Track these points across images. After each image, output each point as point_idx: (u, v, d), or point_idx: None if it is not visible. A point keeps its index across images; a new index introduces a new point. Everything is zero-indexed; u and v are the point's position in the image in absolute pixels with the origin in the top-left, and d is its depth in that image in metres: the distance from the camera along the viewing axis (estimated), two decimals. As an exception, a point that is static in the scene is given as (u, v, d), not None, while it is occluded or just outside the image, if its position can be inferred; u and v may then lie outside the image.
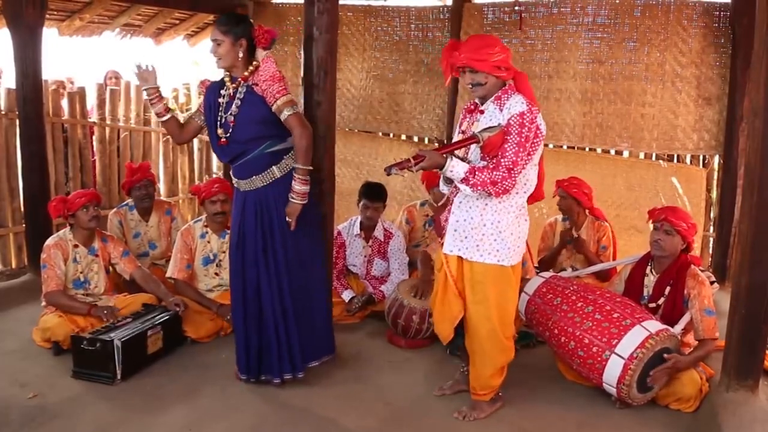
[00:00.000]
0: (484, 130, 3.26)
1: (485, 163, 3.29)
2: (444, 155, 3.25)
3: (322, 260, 4.12)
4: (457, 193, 3.47)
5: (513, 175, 3.22)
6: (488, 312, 3.47)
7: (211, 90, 3.90)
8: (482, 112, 3.41)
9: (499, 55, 3.29)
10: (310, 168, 3.73)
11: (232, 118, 3.72)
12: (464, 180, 3.25)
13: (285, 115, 3.66)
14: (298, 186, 3.69)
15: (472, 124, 3.45)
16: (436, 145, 6.95)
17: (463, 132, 3.49)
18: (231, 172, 3.93)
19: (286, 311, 3.84)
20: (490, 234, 3.38)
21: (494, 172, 3.21)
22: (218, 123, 3.78)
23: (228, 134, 3.74)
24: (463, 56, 3.30)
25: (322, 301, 4.11)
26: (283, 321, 3.84)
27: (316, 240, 4.04)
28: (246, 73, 3.72)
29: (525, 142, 3.24)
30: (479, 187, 3.24)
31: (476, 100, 3.49)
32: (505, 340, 3.57)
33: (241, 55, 3.71)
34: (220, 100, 3.80)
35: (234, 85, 3.76)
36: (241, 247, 3.85)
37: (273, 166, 3.76)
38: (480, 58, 3.27)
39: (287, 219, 3.75)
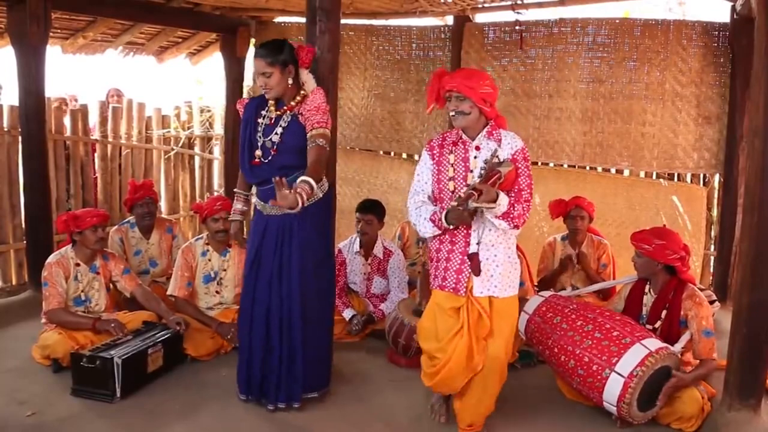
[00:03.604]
0: (499, 165, 3.25)
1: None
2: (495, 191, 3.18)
3: (331, 290, 4.10)
4: (468, 235, 3.37)
5: (530, 207, 3.35)
6: (503, 344, 3.46)
7: (250, 107, 3.84)
8: (478, 148, 3.39)
9: (487, 89, 3.34)
10: (314, 183, 3.42)
11: (273, 144, 3.69)
12: (506, 214, 3.26)
13: (313, 144, 3.57)
14: (303, 193, 3.27)
15: (464, 158, 3.41)
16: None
17: (453, 165, 3.42)
18: (257, 194, 3.87)
19: (293, 339, 3.79)
20: (507, 268, 3.43)
21: (520, 206, 3.30)
22: (257, 144, 3.73)
23: (267, 159, 3.70)
24: (455, 81, 3.32)
25: (326, 330, 4.08)
26: (288, 348, 3.80)
27: (327, 272, 3.99)
28: (293, 103, 3.70)
29: (531, 174, 3.38)
30: (515, 220, 3.28)
31: (461, 134, 3.45)
32: (505, 368, 3.56)
33: (290, 81, 3.67)
34: (260, 120, 3.77)
35: (279, 112, 3.73)
36: (256, 268, 3.82)
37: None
38: (471, 86, 3.29)
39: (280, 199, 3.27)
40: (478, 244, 3.35)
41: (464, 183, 3.37)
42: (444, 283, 3.46)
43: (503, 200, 3.21)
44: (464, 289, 3.41)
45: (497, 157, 3.29)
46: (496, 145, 3.37)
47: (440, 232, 3.43)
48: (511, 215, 3.26)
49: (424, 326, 3.60)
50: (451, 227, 3.36)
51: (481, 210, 3.22)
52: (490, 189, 3.14)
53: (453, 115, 3.37)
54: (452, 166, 3.43)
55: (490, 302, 3.42)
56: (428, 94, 3.47)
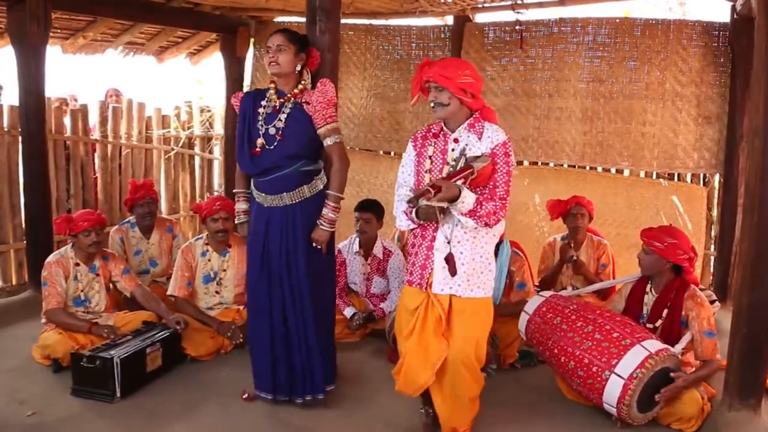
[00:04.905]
0: (475, 160, 3.15)
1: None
2: (458, 187, 3.09)
3: (333, 284, 4.12)
4: (436, 229, 3.29)
5: (505, 205, 3.20)
6: (470, 346, 3.33)
7: (247, 99, 3.87)
8: (456, 140, 3.30)
9: (467, 79, 3.23)
10: (343, 197, 3.80)
11: (278, 131, 3.70)
12: (472, 212, 3.12)
13: (330, 141, 3.73)
14: (331, 214, 3.75)
15: (443, 151, 3.33)
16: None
17: (430, 158, 3.34)
18: (256, 186, 3.84)
19: (308, 331, 3.79)
20: (478, 267, 3.30)
21: (492, 203, 3.16)
22: (258, 133, 3.74)
23: (272, 146, 3.71)
24: (432, 71, 3.23)
25: (331, 318, 4.09)
26: (305, 341, 3.80)
27: (330, 263, 4.02)
28: (296, 90, 3.74)
29: (511, 171, 3.24)
30: (484, 219, 3.14)
31: (442, 125, 3.37)
32: (479, 370, 3.45)
33: (298, 68, 3.75)
34: (260, 110, 3.78)
35: (281, 100, 3.75)
36: (267, 264, 3.80)
37: (304, 186, 3.75)
38: (447, 75, 3.19)
39: (316, 245, 3.76)
40: (448, 243, 3.26)
41: (440, 176, 3.25)
42: (411, 278, 3.42)
43: (468, 198, 3.08)
44: (425, 284, 3.34)
45: (477, 154, 3.18)
46: (476, 138, 3.26)
47: (416, 225, 3.37)
48: (478, 213, 3.12)
49: (396, 323, 3.57)
50: (422, 222, 3.29)
51: (448, 207, 3.12)
52: (450, 186, 3.04)
53: (432, 106, 3.30)
54: (430, 158, 3.34)
55: (451, 301, 3.32)
56: (413, 86, 3.39)
